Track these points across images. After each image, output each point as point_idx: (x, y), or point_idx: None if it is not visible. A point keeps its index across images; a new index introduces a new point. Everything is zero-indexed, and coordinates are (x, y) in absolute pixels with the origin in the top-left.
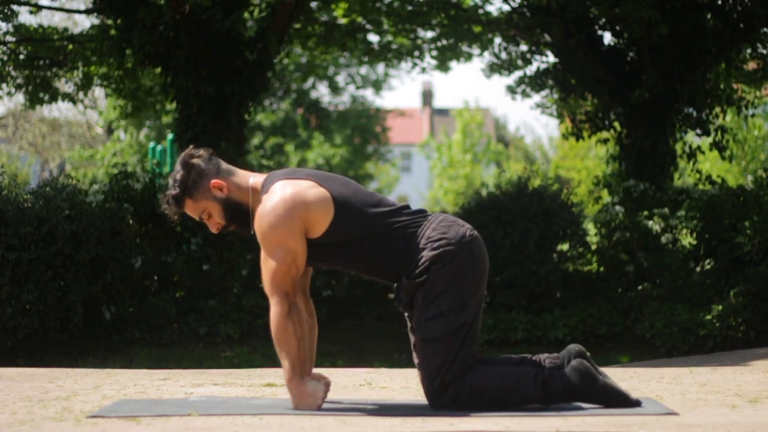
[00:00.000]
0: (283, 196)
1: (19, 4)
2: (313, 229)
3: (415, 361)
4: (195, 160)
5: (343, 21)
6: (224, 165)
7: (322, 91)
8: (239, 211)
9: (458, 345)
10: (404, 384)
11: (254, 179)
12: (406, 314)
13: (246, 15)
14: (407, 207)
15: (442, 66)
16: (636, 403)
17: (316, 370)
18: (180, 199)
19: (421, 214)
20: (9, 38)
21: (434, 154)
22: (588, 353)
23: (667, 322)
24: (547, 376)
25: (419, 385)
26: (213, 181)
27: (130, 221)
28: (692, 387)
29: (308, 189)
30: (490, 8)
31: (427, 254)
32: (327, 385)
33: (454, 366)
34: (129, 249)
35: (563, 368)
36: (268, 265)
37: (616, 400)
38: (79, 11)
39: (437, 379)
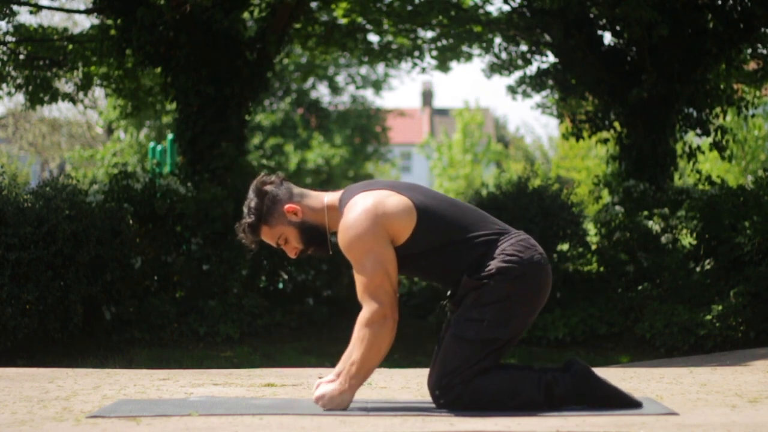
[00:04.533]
0: (365, 206)
1: (19, 4)
2: (397, 238)
3: (434, 355)
4: (267, 187)
5: (343, 21)
6: (296, 189)
7: (322, 91)
8: (316, 233)
9: (482, 356)
10: (404, 384)
11: (329, 197)
12: (448, 311)
13: (246, 15)
14: (489, 217)
15: (442, 66)
16: (636, 404)
17: (315, 370)
18: (256, 227)
19: (504, 227)
20: (9, 38)
21: (434, 154)
22: (587, 363)
23: (667, 322)
24: (550, 380)
25: (419, 385)
26: (287, 206)
27: (130, 221)
28: (692, 387)
29: (388, 197)
30: (490, 8)
31: (495, 264)
32: None
33: (469, 372)
34: (129, 249)
35: (565, 372)
36: (360, 280)
37: (617, 401)
38: (79, 11)
39: (447, 377)
